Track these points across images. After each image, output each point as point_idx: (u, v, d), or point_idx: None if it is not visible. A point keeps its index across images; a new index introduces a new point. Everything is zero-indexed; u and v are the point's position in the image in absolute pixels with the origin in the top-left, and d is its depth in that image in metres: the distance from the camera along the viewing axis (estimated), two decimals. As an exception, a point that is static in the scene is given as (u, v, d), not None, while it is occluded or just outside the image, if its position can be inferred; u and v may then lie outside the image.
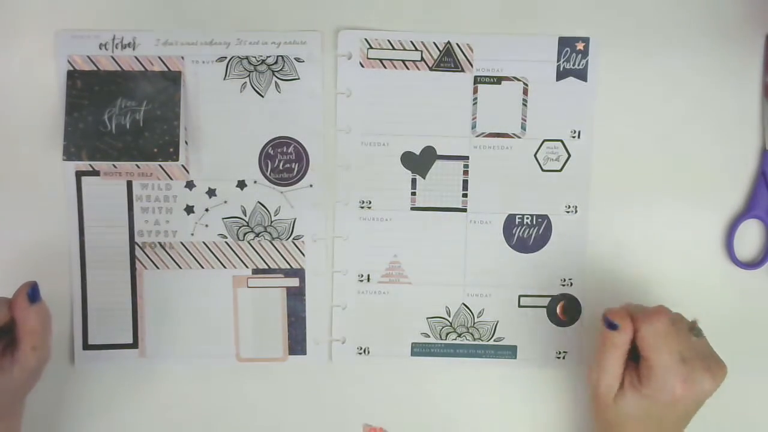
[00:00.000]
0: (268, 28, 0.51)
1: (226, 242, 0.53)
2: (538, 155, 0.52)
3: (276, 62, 0.51)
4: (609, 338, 0.45)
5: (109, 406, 0.53)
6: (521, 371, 0.54)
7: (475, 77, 0.52)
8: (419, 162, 0.52)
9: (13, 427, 0.46)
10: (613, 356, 0.45)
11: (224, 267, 0.53)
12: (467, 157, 0.52)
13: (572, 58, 0.52)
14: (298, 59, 0.51)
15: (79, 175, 0.52)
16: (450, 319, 0.53)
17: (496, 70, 0.52)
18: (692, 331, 0.46)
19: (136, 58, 0.51)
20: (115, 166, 0.52)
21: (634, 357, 0.45)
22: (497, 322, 0.54)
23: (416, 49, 0.51)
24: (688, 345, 0.44)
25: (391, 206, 0.53)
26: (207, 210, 0.52)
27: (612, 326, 0.45)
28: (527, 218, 0.53)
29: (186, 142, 0.52)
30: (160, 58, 0.51)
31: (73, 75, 0.50)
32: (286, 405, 0.54)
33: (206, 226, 0.52)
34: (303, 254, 0.53)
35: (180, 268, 0.53)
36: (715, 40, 0.52)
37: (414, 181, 0.53)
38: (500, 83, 0.52)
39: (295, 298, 0.53)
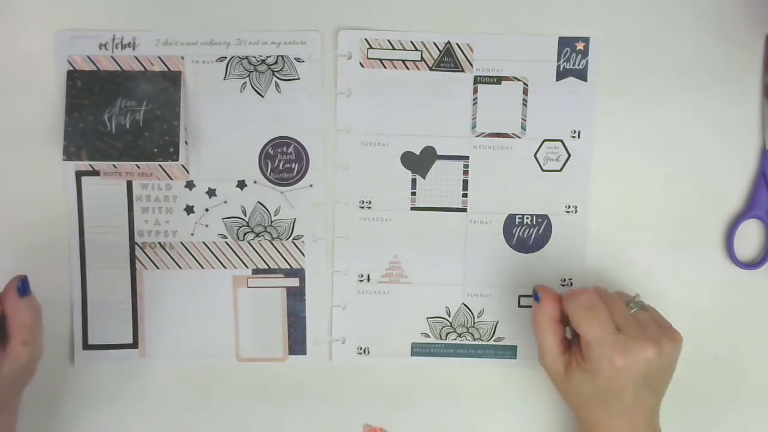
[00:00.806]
0: (268, 28, 0.51)
1: (226, 242, 0.53)
2: (538, 155, 0.52)
3: (276, 62, 0.51)
4: (535, 311, 0.47)
5: (109, 406, 0.53)
6: (521, 371, 0.54)
7: (475, 77, 0.52)
8: (419, 162, 0.52)
9: (9, 423, 0.46)
10: (543, 331, 0.46)
11: (224, 267, 0.53)
12: (467, 157, 0.52)
13: (572, 58, 0.52)
14: (298, 59, 0.51)
15: (79, 175, 0.52)
16: (450, 319, 0.54)
17: (496, 70, 0.52)
18: (631, 304, 0.46)
19: (136, 58, 0.51)
20: (115, 166, 0.52)
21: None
22: (497, 322, 0.54)
23: (416, 49, 0.51)
24: (623, 316, 0.45)
25: (391, 206, 0.53)
26: (207, 210, 0.52)
27: (536, 298, 0.47)
28: (527, 218, 0.53)
29: (186, 142, 0.52)
30: (160, 58, 0.51)
31: (73, 75, 0.50)
32: (286, 405, 0.54)
33: (206, 226, 0.52)
34: (303, 254, 0.53)
35: (180, 268, 0.53)
36: (715, 40, 0.52)
37: (414, 181, 0.53)
38: (500, 83, 0.52)
39: (295, 298, 0.53)
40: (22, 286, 0.43)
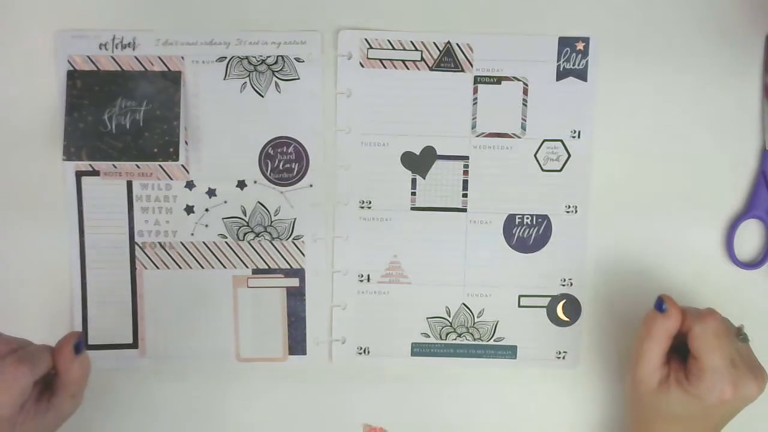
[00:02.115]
0: (268, 28, 0.51)
1: (226, 242, 0.53)
2: (538, 155, 0.52)
3: (276, 62, 0.51)
4: (654, 321, 0.45)
5: (109, 405, 0.53)
6: (521, 371, 0.54)
7: (475, 77, 0.52)
8: (419, 162, 0.52)
9: None
10: (656, 342, 0.45)
11: (224, 267, 0.53)
12: (467, 157, 0.52)
13: (572, 58, 0.52)
14: (298, 59, 0.51)
15: (79, 175, 0.52)
16: (450, 319, 0.53)
17: (496, 70, 0.52)
18: (738, 336, 0.45)
19: (136, 58, 0.51)
20: (115, 166, 0.52)
21: (680, 355, 0.45)
22: (497, 322, 0.54)
23: (416, 49, 0.51)
24: (737, 349, 0.44)
25: (391, 206, 0.53)
26: (207, 210, 0.52)
27: (661, 308, 0.45)
28: (527, 218, 0.53)
29: (186, 142, 0.52)
30: (160, 58, 0.51)
31: (73, 75, 0.50)
32: (286, 405, 0.54)
33: (206, 226, 0.52)
34: (303, 254, 0.53)
35: (180, 268, 0.53)
36: (715, 40, 0.52)
37: (414, 181, 0.53)
38: (500, 83, 0.52)
39: (295, 298, 0.53)
40: (79, 345, 0.44)
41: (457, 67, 0.52)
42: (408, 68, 0.52)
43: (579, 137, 0.52)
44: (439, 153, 0.52)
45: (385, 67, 0.52)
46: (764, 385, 0.44)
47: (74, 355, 0.44)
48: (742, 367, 0.44)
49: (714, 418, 0.45)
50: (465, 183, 0.53)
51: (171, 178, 0.52)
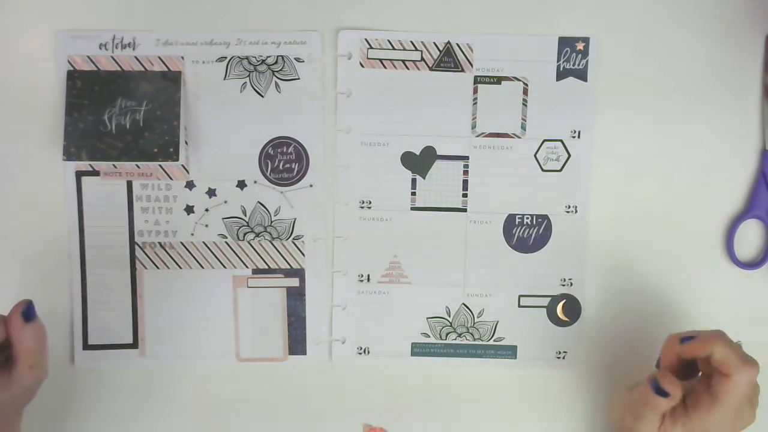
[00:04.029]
0: (268, 28, 0.51)
1: (226, 242, 0.53)
2: (538, 155, 0.52)
3: (276, 62, 0.51)
4: (654, 402, 0.43)
5: (109, 406, 0.53)
6: (521, 371, 0.54)
7: (475, 77, 0.52)
8: (419, 162, 0.52)
9: None
10: (654, 419, 0.43)
11: (224, 267, 0.53)
12: (467, 157, 0.52)
13: (572, 58, 0.52)
14: (298, 59, 0.51)
15: (79, 175, 0.52)
16: (450, 319, 0.53)
17: (496, 70, 0.52)
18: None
19: (136, 58, 0.51)
20: (115, 166, 0.52)
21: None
22: (497, 322, 0.54)
23: (416, 49, 0.51)
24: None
25: (391, 206, 0.53)
26: (207, 210, 0.52)
27: (660, 392, 0.42)
28: (527, 218, 0.53)
29: (186, 142, 0.52)
30: (160, 58, 0.51)
31: (73, 75, 0.50)
32: (286, 405, 0.54)
33: (206, 226, 0.52)
34: (303, 254, 0.53)
35: (180, 268, 0.53)
36: (715, 40, 0.52)
37: (414, 181, 0.53)
38: (500, 83, 0.52)
39: (295, 298, 0.53)
40: (27, 311, 0.43)
41: (457, 67, 0.52)
42: (408, 68, 0.52)
43: (579, 137, 0.52)
44: (439, 153, 0.52)
45: (385, 67, 0.52)
46: (756, 407, 0.44)
47: (24, 323, 0.42)
48: (755, 400, 0.43)
49: None
50: (465, 183, 0.53)
51: (171, 178, 0.52)
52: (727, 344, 0.42)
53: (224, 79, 0.51)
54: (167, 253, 0.52)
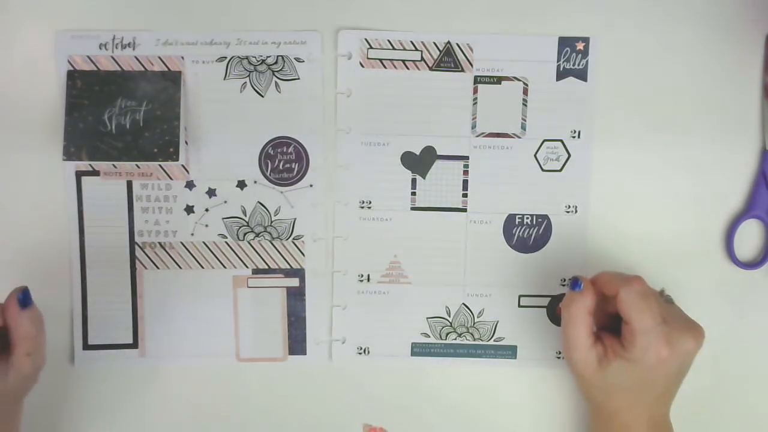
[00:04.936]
0: (268, 28, 0.51)
1: (226, 242, 0.53)
2: (538, 155, 0.52)
3: (276, 62, 0.51)
4: (572, 301, 0.45)
5: (109, 406, 0.53)
6: (521, 371, 0.54)
7: (475, 77, 0.52)
8: (419, 162, 0.52)
9: (12, 430, 0.46)
10: (580, 322, 0.45)
11: (224, 267, 0.53)
12: (467, 157, 0.52)
13: (572, 58, 0.52)
14: (298, 59, 0.51)
15: (79, 175, 0.52)
16: (450, 319, 0.54)
17: (496, 70, 0.52)
18: (663, 297, 0.47)
19: (136, 58, 0.51)
20: (115, 166, 0.52)
21: (612, 329, 0.46)
22: (497, 322, 0.54)
23: (416, 49, 0.51)
24: (665, 308, 0.45)
25: (391, 206, 0.53)
26: (207, 210, 0.52)
27: (576, 285, 0.46)
28: (527, 218, 0.53)
29: (186, 142, 0.52)
30: (160, 58, 0.51)
31: (73, 75, 0.50)
32: (286, 405, 0.54)
33: (206, 226, 0.52)
34: (303, 254, 0.53)
35: (180, 268, 0.53)
36: (715, 40, 0.52)
37: (414, 181, 0.53)
38: (500, 83, 0.52)
39: (295, 298, 0.53)
40: (23, 298, 0.43)
41: (457, 67, 0.52)
42: (408, 68, 0.52)
43: (579, 137, 0.52)
44: (439, 153, 0.52)
45: (385, 67, 0.52)
46: (701, 339, 0.45)
47: (20, 309, 0.42)
48: (673, 323, 0.44)
49: (660, 382, 0.45)
50: (465, 183, 0.53)
51: (171, 178, 0.52)
52: (609, 272, 0.47)
53: (224, 79, 0.51)
54: (167, 253, 0.52)
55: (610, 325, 0.47)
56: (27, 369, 0.43)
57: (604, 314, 0.47)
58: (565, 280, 0.53)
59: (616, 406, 0.46)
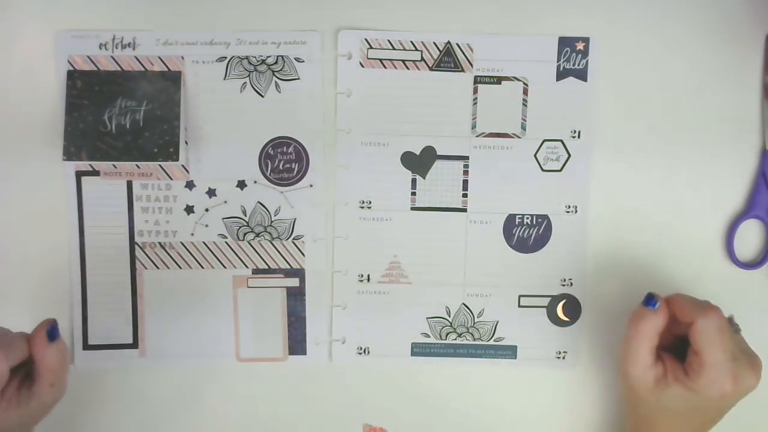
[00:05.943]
0: (268, 28, 0.51)
1: (226, 242, 0.53)
2: (538, 155, 0.52)
3: (276, 62, 0.51)
4: (643, 318, 0.45)
5: (109, 406, 0.53)
6: (521, 371, 0.54)
7: (475, 77, 0.52)
8: (419, 162, 0.52)
9: None
10: (646, 340, 0.44)
11: (224, 267, 0.53)
12: (467, 157, 0.52)
13: (572, 58, 0.52)
14: (298, 59, 0.51)
15: (79, 175, 0.52)
16: (450, 319, 0.54)
17: (496, 70, 0.52)
18: (732, 327, 0.46)
19: (136, 58, 0.51)
20: (115, 166, 0.52)
21: (673, 349, 0.46)
22: (497, 322, 0.54)
23: (416, 49, 0.51)
24: (735, 341, 0.45)
25: (391, 206, 0.53)
26: (207, 210, 0.52)
27: (651, 304, 0.45)
28: (527, 218, 0.53)
29: (186, 142, 0.52)
30: (160, 58, 0.51)
31: (73, 75, 0.50)
32: (286, 405, 0.54)
33: (206, 226, 0.52)
34: (303, 254, 0.53)
35: (180, 268, 0.53)
36: (715, 40, 0.52)
37: (414, 181, 0.53)
38: (500, 83, 0.52)
39: (295, 298, 0.53)
40: (52, 331, 0.44)
41: (457, 67, 0.52)
42: (408, 68, 0.52)
43: (579, 137, 0.52)
44: (439, 153, 0.52)
45: (385, 67, 0.52)
46: (760, 374, 0.44)
47: (48, 341, 0.43)
48: (741, 359, 0.44)
49: (713, 411, 0.45)
50: (465, 183, 0.53)
51: (171, 178, 0.52)
52: (685, 296, 0.45)
53: (224, 79, 0.51)
54: (167, 253, 0.52)
55: (672, 345, 0.46)
56: (49, 399, 0.45)
57: (670, 334, 0.46)
58: (565, 280, 0.53)
59: (661, 426, 0.46)
